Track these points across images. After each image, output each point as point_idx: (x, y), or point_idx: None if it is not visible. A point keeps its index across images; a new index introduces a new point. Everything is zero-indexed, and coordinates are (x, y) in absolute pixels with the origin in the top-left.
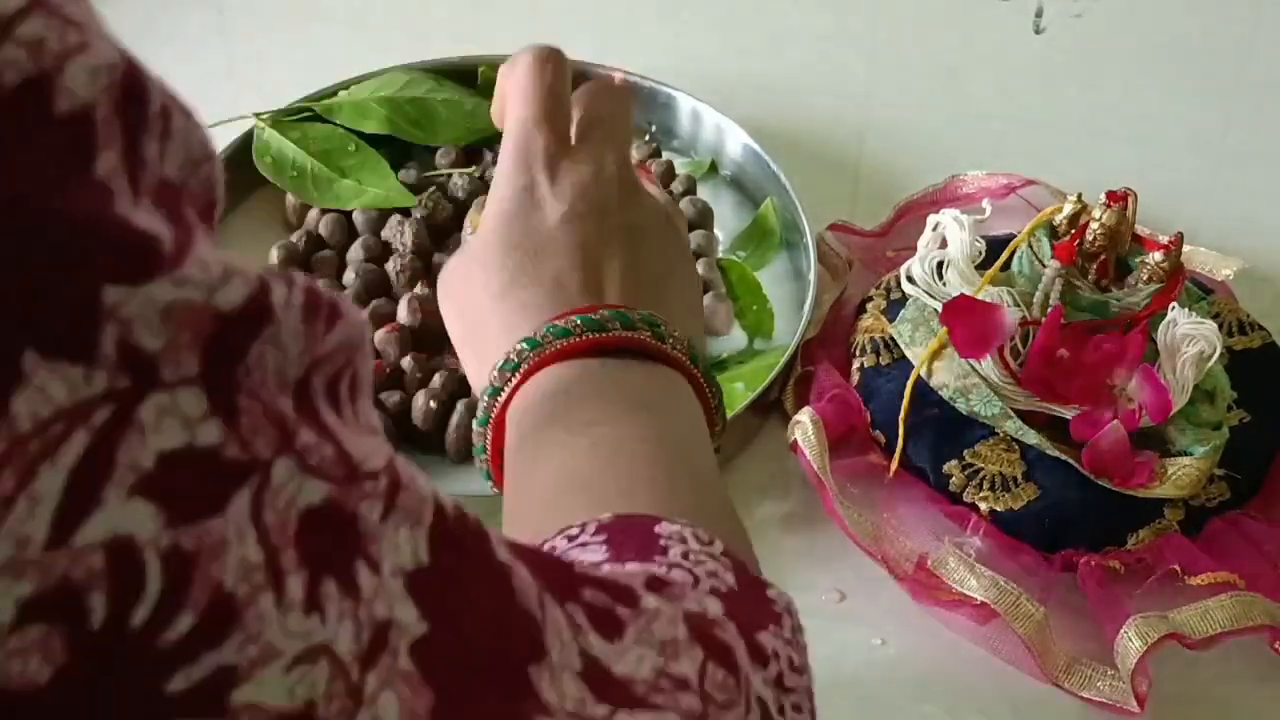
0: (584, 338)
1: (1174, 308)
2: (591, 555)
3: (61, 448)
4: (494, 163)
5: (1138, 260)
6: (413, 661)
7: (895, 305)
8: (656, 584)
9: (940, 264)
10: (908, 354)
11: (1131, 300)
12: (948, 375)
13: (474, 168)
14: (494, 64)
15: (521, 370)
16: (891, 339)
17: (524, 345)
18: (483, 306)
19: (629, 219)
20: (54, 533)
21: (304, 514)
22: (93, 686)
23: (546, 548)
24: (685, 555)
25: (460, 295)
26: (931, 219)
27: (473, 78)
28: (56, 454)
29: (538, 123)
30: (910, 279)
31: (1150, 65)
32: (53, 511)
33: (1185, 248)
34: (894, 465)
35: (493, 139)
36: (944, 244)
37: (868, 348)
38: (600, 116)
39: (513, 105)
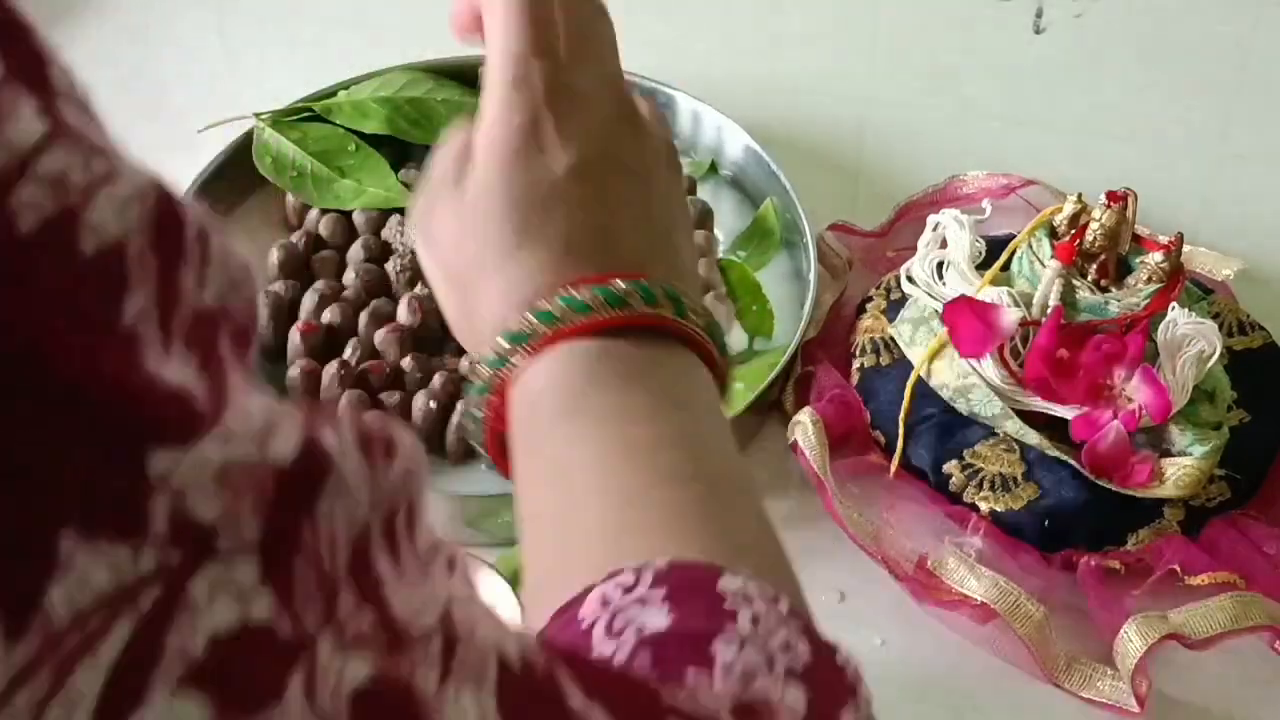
0: (604, 315)
1: (1174, 308)
2: (653, 617)
3: (103, 641)
4: None
5: (1138, 260)
6: None
7: (895, 305)
8: (743, 712)
9: (940, 264)
10: (908, 354)
11: (1131, 300)
12: (948, 375)
13: None
14: None
15: (531, 343)
16: (891, 339)
17: (536, 318)
18: (483, 263)
19: (638, 163)
20: None
21: (354, 698)
22: None
23: (597, 595)
24: (755, 620)
25: (453, 246)
26: (931, 219)
27: (473, 78)
28: (97, 648)
29: (536, 50)
30: (910, 279)
31: (1150, 65)
32: (90, 715)
33: (1185, 248)
34: (894, 465)
35: None
36: (944, 244)
37: (868, 348)
38: (587, 28)
39: (498, 26)
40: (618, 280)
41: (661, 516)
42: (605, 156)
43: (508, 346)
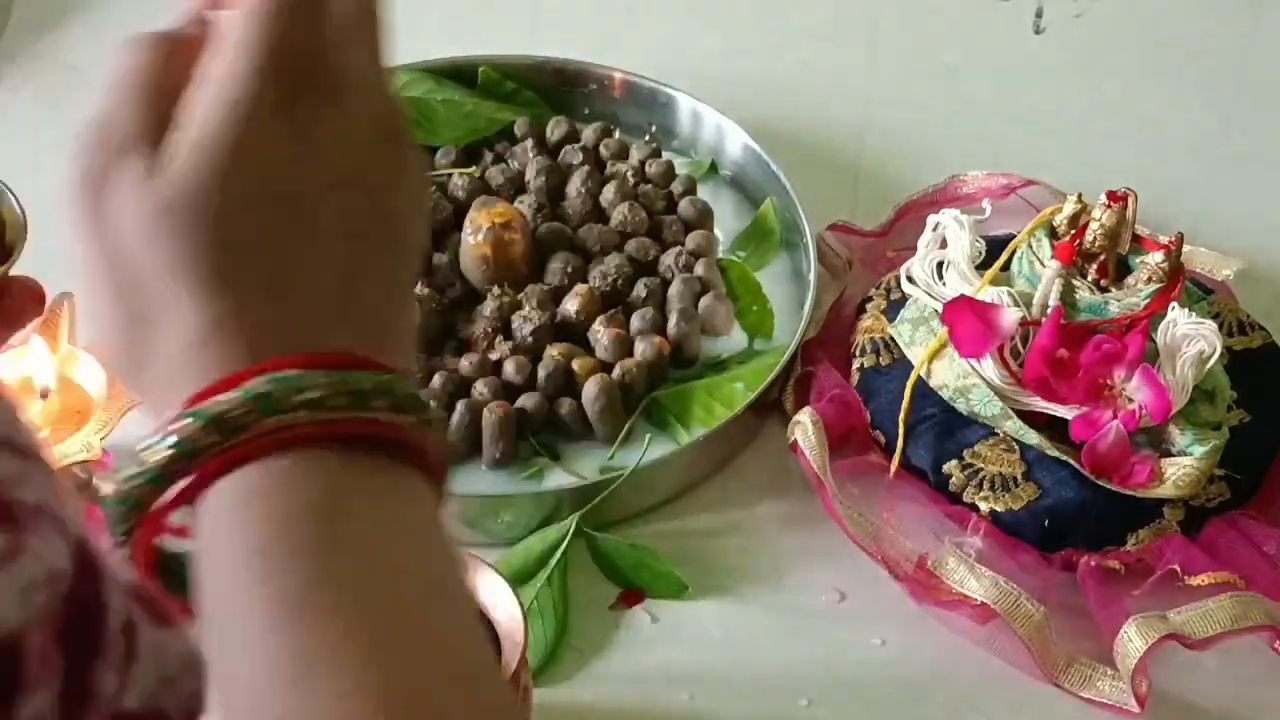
0: (341, 417)
1: (1174, 308)
2: None
3: None
4: (494, 163)
5: (1138, 260)
6: None
7: (895, 305)
8: None
9: (940, 264)
10: (908, 354)
11: (1131, 300)
12: (948, 375)
13: (474, 168)
14: (494, 64)
15: (240, 438)
16: (891, 339)
17: (240, 409)
18: (171, 289)
19: (393, 198)
20: None
21: None
22: None
23: None
24: None
25: (135, 248)
26: (931, 219)
27: (473, 78)
28: None
29: (295, 9)
30: (910, 279)
31: (1150, 65)
32: None
33: (1185, 248)
34: (894, 465)
35: (493, 139)
36: (944, 244)
37: (868, 348)
38: (360, 6)
39: None
40: (355, 366)
41: None
42: (362, 177)
43: (170, 447)
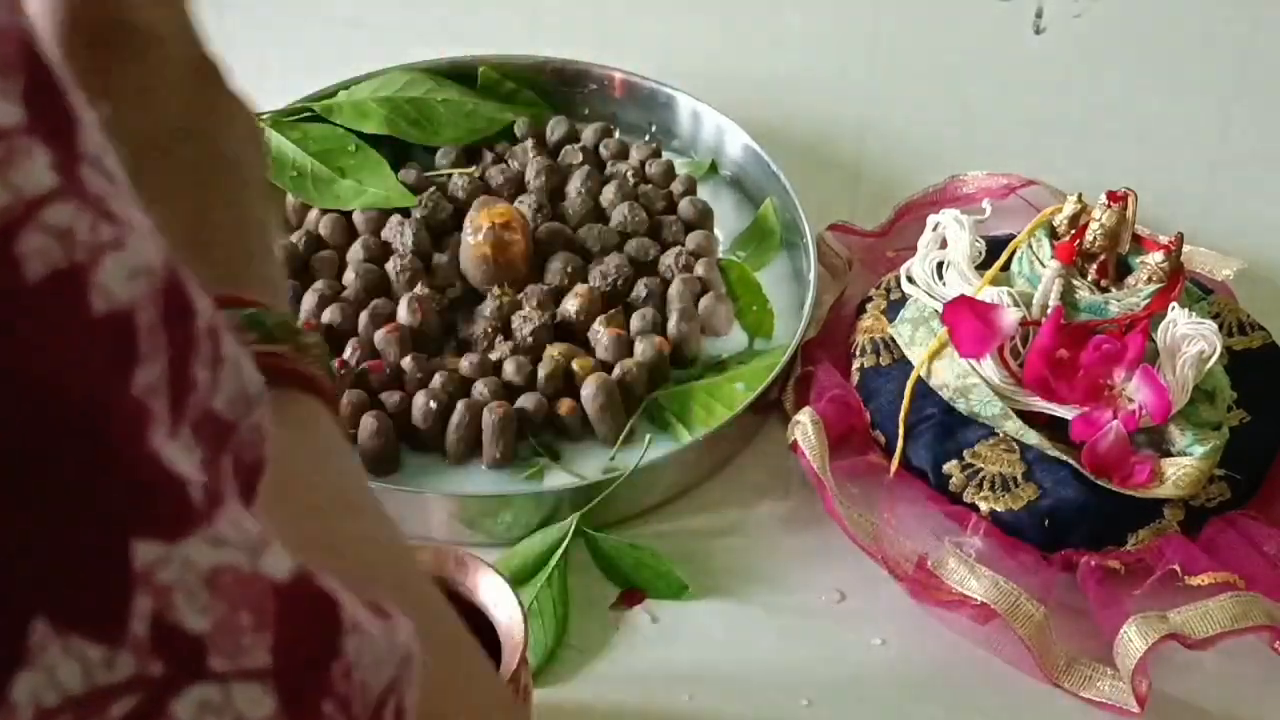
0: None
1: (1174, 308)
2: None
3: None
4: (494, 162)
5: (1138, 260)
6: None
7: (895, 305)
8: None
9: (940, 264)
10: (908, 354)
11: (1131, 300)
12: (948, 375)
13: (474, 168)
14: (494, 64)
15: None
16: (891, 339)
17: None
18: None
19: (227, 145)
20: None
21: None
22: None
23: None
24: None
25: None
26: (931, 219)
27: (473, 78)
28: None
29: None
30: (910, 279)
31: (1150, 65)
32: None
33: (1185, 248)
34: (894, 465)
35: (493, 139)
36: (944, 244)
37: (868, 348)
38: None
39: None
40: (239, 307)
41: None
42: (188, 128)
43: None
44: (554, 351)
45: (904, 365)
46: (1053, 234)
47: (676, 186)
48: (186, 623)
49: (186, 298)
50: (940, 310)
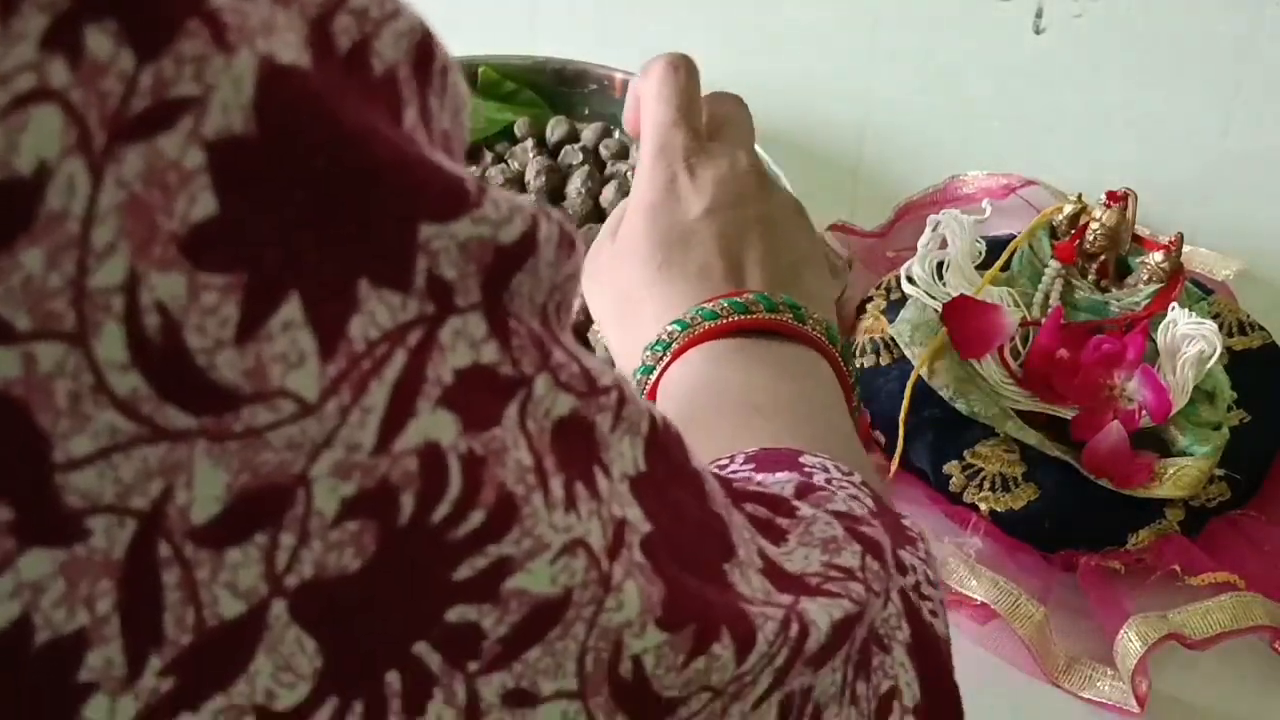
0: (730, 319)
1: (1174, 308)
2: (737, 473)
3: (386, 365)
4: (494, 163)
5: (1138, 260)
6: (644, 555)
7: (895, 305)
8: (806, 490)
9: (940, 264)
10: (908, 354)
11: (1131, 300)
12: (948, 375)
13: (474, 167)
14: (494, 64)
15: (672, 349)
16: (891, 339)
17: (675, 327)
18: (635, 295)
19: (764, 210)
20: (379, 440)
21: (556, 424)
22: (393, 577)
23: None
24: (828, 481)
25: (610, 283)
26: (931, 219)
27: (473, 78)
28: (382, 371)
29: (676, 123)
30: (910, 279)
31: (1150, 65)
32: (380, 421)
33: (1185, 248)
34: (894, 465)
35: (493, 139)
36: (944, 244)
37: (868, 348)
38: (728, 115)
39: (649, 108)
40: (745, 294)
41: (769, 430)
42: (734, 202)
43: (650, 355)
44: None
45: (904, 365)
46: (1053, 234)
47: None
48: (445, 273)
49: (431, 48)
50: (940, 310)
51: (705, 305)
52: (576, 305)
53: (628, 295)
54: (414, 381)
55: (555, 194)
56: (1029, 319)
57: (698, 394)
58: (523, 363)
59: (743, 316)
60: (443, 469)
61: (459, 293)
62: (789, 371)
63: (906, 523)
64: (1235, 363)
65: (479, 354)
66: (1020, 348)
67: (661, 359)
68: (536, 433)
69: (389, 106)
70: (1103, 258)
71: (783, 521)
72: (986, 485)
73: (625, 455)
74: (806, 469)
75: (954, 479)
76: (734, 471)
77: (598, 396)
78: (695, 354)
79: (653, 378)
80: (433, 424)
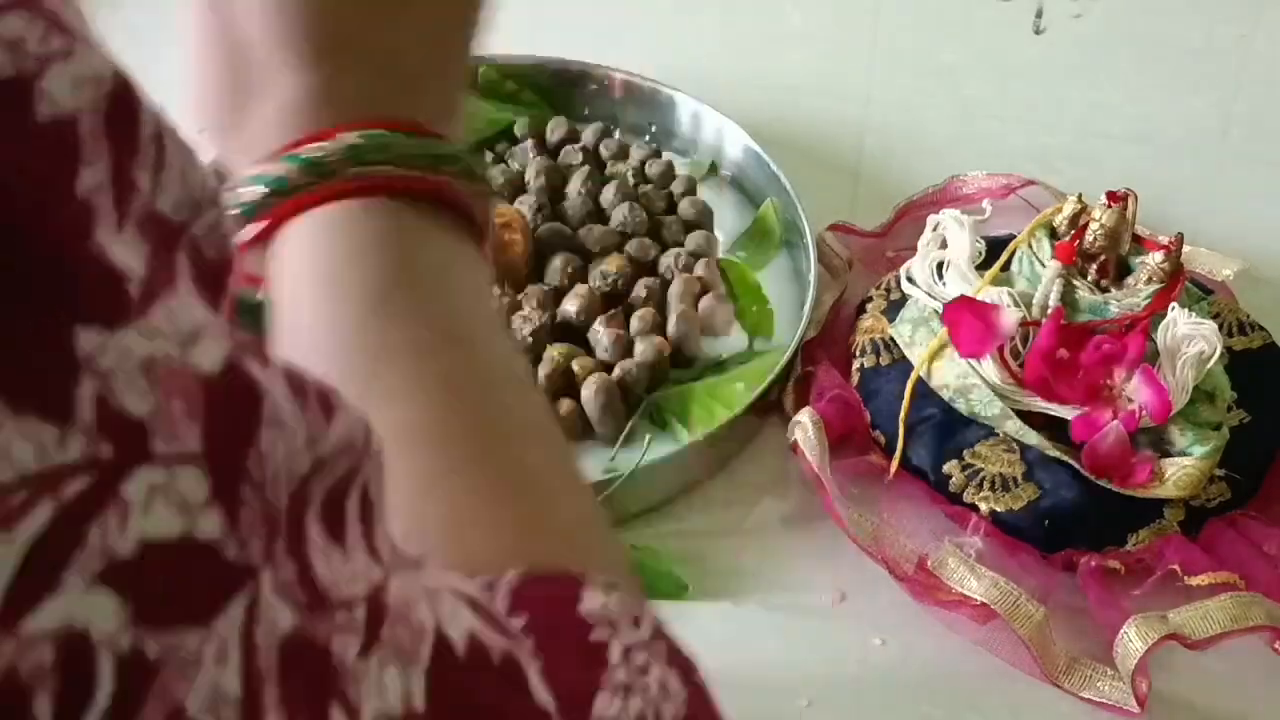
0: (414, 174)
1: (1174, 308)
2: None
3: (21, 519)
4: (494, 163)
5: (1138, 260)
6: None
7: (895, 305)
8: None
9: (940, 264)
10: (908, 354)
11: (1131, 300)
12: (948, 375)
13: None
14: (494, 64)
15: (302, 193)
16: (891, 339)
17: (337, 147)
18: (279, 69)
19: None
20: (2, 612)
21: (282, 642)
22: None
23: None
24: (627, 656)
25: (247, 29)
26: (931, 219)
27: (473, 78)
28: (14, 527)
29: None
30: (910, 279)
31: (1150, 65)
32: (3, 589)
33: (1185, 248)
34: (894, 465)
35: (493, 139)
36: (944, 244)
37: (868, 348)
38: None
39: None
40: (419, 132)
41: (468, 482)
42: None
43: (296, 170)
44: (554, 352)
45: (904, 365)
46: (1053, 234)
47: (676, 187)
48: (129, 406)
49: (131, 105)
50: (940, 310)
51: (395, 137)
52: (380, 500)
53: (266, 50)
54: (63, 547)
55: (555, 194)
56: (1029, 319)
57: (348, 322)
58: (250, 549)
59: (430, 175)
60: (87, 668)
61: (156, 435)
62: (460, 309)
63: (699, 679)
64: (1235, 363)
65: (194, 522)
66: (1020, 348)
67: (289, 194)
68: (265, 648)
69: (56, 161)
70: (1103, 258)
71: None
72: (986, 485)
73: (388, 688)
74: (594, 636)
75: (954, 479)
76: (505, 629)
77: (329, 613)
78: (326, 220)
79: (264, 214)
80: (83, 605)
